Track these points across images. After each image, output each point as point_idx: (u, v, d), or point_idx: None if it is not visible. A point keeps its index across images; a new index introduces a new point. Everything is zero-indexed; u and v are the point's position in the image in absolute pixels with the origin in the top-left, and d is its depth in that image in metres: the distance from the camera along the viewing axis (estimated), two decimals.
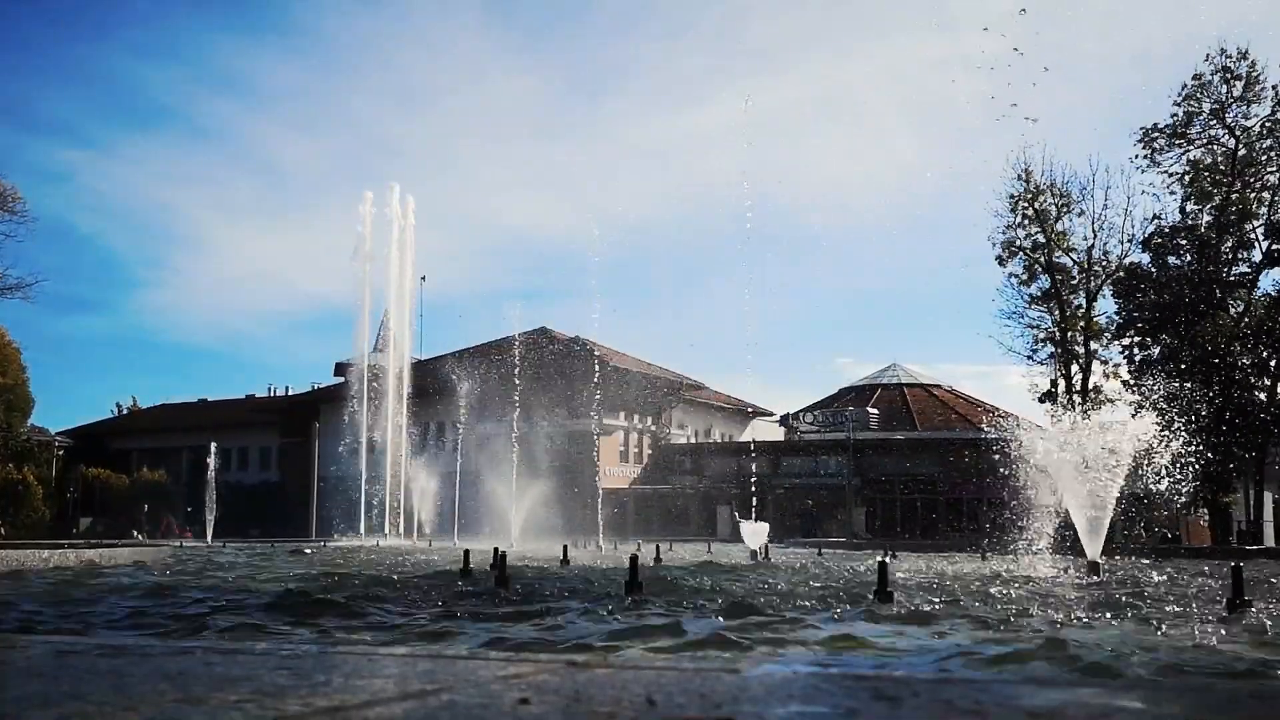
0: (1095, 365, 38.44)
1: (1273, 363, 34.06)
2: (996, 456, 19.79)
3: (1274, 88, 33.50)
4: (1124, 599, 10.01)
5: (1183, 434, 31.24)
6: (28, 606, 8.73)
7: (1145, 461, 18.05)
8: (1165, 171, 35.45)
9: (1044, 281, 39.11)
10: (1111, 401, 37.95)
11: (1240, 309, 34.42)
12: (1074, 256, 38.90)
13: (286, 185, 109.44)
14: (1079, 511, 16.15)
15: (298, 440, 46.35)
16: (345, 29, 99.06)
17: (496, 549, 13.67)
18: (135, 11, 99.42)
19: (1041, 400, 39.76)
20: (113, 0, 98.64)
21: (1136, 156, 35.71)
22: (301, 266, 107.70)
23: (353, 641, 6.07)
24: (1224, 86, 34.07)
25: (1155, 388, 34.40)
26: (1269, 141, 34.39)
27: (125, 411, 71.36)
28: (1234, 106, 34.18)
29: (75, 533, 37.37)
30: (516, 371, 38.83)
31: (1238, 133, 34.35)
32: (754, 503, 31.15)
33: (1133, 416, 36.15)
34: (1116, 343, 37.74)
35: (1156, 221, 36.14)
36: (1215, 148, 35.13)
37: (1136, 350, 36.34)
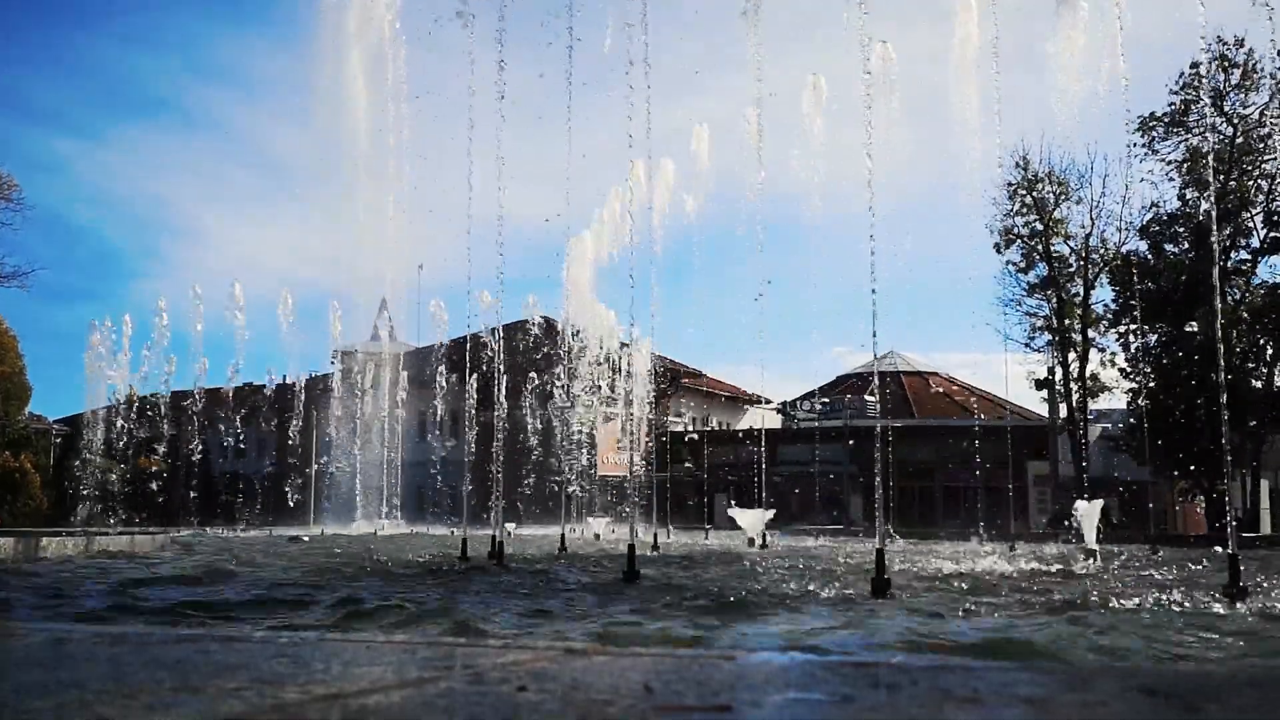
0: (1092, 353, 38.54)
1: (1269, 350, 34.12)
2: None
3: (1271, 75, 33.51)
4: (1121, 587, 10.04)
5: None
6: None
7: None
8: (1163, 159, 35.52)
9: (1042, 269, 39.18)
10: (1109, 389, 38.12)
11: (1237, 297, 34.48)
12: (1072, 244, 38.97)
13: (280, 175, 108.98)
14: None
15: (294, 428, 46.36)
16: (337, 19, 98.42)
17: (494, 537, 13.69)
18: (125, 1, 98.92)
19: (1038, 388, 39.92)
20: None
21: (1135, 145, 35.77)
22: (297, 255, 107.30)
23: (351, 630, 6.08)
24: (1221, 75, 34.06)
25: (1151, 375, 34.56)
26: (1266, 129, 34.40)
27: (123, 400, 71.26)
28: (1232, 95, 34.19)
29: (73, 520, 37.39)
30: (514, 359, 38.80)
31: (1235, 121, 34.35)
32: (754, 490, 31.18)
33: (1128, 405, 36.36)
34: (1114, 330, 37.85)
35: (1154, 209, 36.23)
36: (1213, 136, 35.16)
37: (1133, 338, 36.45)
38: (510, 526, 29.18)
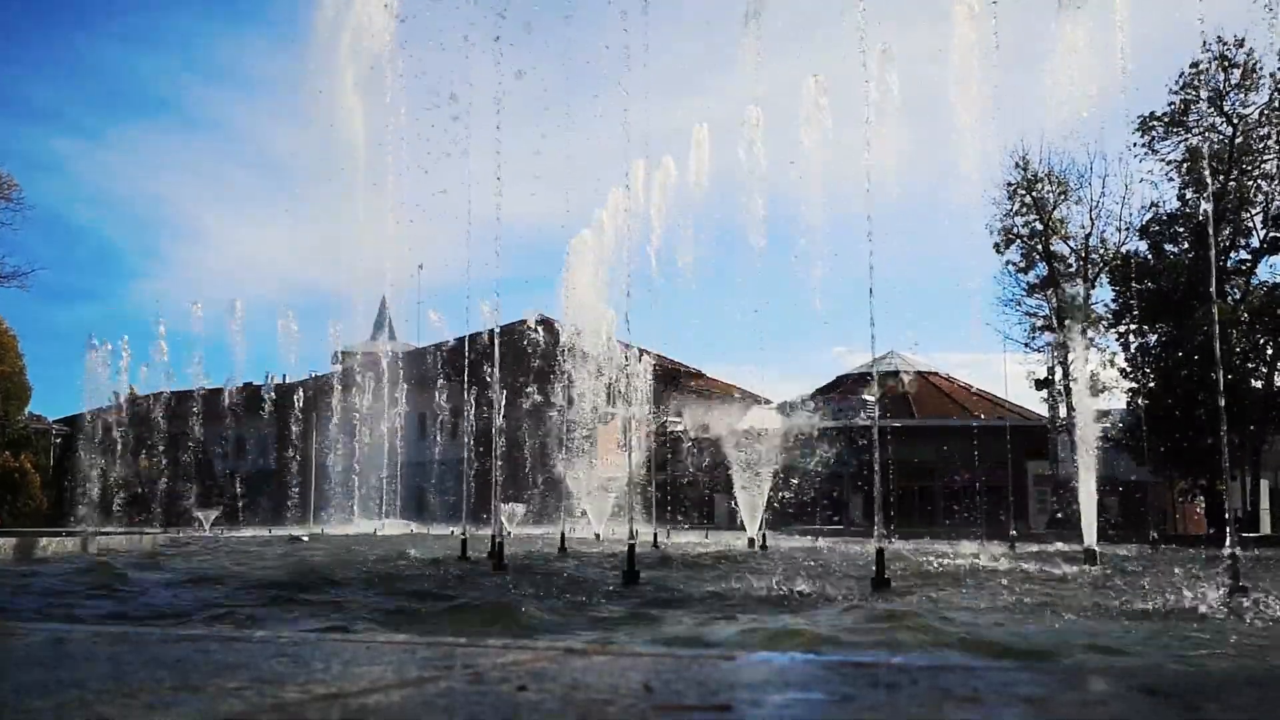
0: (1092, 353, 38.51)
1: (1269, 350, 34.12)
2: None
3: (1271, 75, 33.49)
4: (1119, 586, 10.04)
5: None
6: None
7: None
8: (1163, 159, 35.52)
9: (1041, 269, 39.24)
10: (1108, 389, 38.14)
11: (1237, 297, 34.49)
12: (1072, 244, 38.98)
13: (280, 175, 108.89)
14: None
15: (294, 428, 46.40)
16: (334, 21, 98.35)
17: (494, 537, 13.68)
18: (125, 1, 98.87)
19: (1038, 388, 39.95)
20: None
21: (1135, 144, 35.79)
22: (297, 255, 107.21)
23: (351, 629, 6.08)
24: (1221, 75, 34.05)
25: (1151, 374, 34.58)
26: (1266, 129, 34.39)
27: (123, 401, 71.35)
28: (1232, 94, 34.18)
29: (72, 521, 37.44)
30: (514, 360, 38.81)
31: (1235, 121, 34.34)
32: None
33: (1127, 405, 36.39)
34: (1114, 330, 37.86)
35: (1154, 209, 36.24)
36: (1213, 136, 35.16)
37: (1133, 338, 36.44)
38: (513, 507, 29.13)
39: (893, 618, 6.95)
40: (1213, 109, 34.49)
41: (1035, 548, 20.87)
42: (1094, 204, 38.04)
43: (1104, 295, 38.59)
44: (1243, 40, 33.56)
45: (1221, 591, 8.66)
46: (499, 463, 15.57)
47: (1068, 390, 38.44)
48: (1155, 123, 35.11)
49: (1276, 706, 2.39)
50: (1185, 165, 34.90)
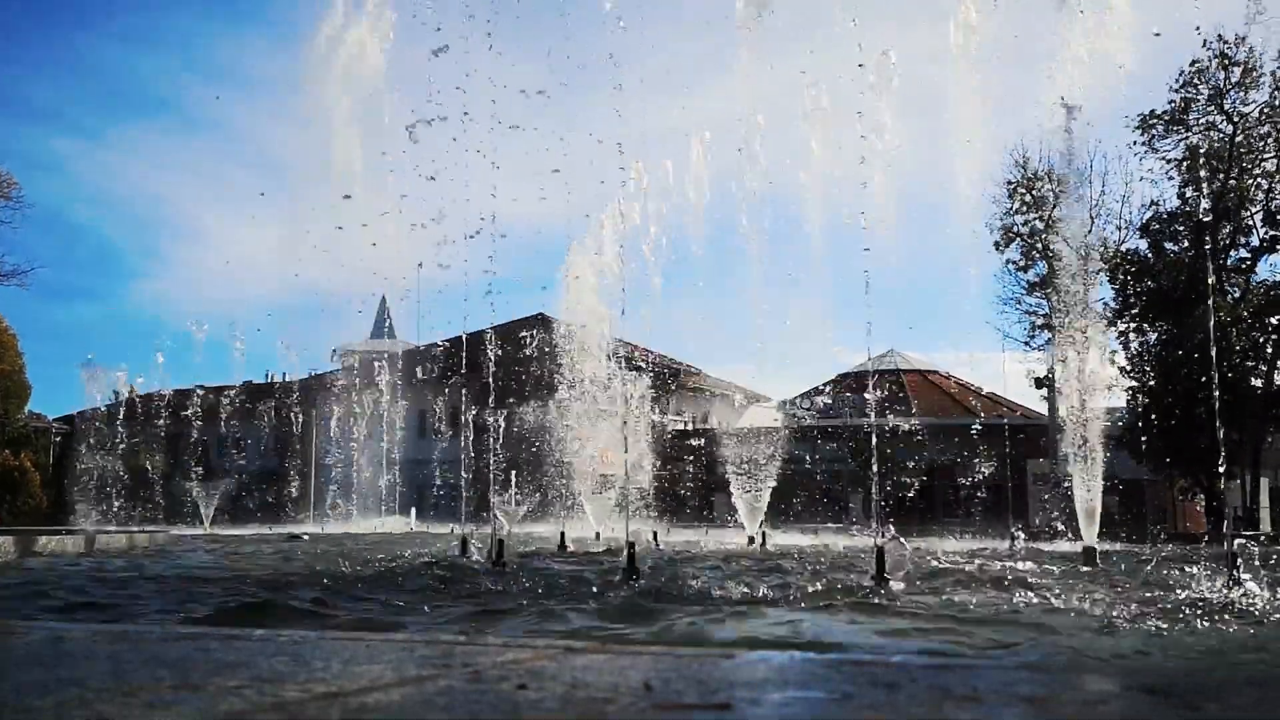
0: (1090, 350, 38.48)
1: (1269, 349, 34.09)
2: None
3: (1272, 73, 33.46)
4: (1122, 584, 10.04)
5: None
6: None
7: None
8: (1163, 158, 35.49)
9: (1041, 268, 39.25)
10: (1108, 387, 38.13)
11: (1237, 295, 34.47)
12: (1071, 243, 38.96)
13: (278, 174, 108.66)
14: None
15: (295, 426, 46.42)
16: (333, 18, 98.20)
17: (493, 535, 13.68)
18: (125, 1, 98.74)
19: (1038, 386, 39.96)
20: None
21: (1135, 143, 35.77)
22: (296, 254, 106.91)
23: (351, 629, 6.07)
24: (1221, 73, 34.02)
25: (1150, 373, 34.56)
26: (1266, 127, 34.36)
27: (123, 399, 71.38)
28: (1232, 92, 34.14)
29: (72, 519, 37.45)
30: (513, 358, 38.80)
31: (1235, 119, 34.31)
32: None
33: (1128, 404, 36.39)
34: (1113, 328, 37.83)
35: (1154, 208, 36.22)
36: (1213, 134, 35.12)
37: (1132, 336, 36.41)
38: (512, 505, 29.06)
39: (892, 616, 6.95)
40: (1213, 107, 34.47)
41: (1035, 546, 20.87)
42: (1094, 203, 38.07)
43: (1104, 294, 38.61)
44: (1243, 38, 33.56)
45: (1221, 590, 8.66)
46: (497, 460, 15.57)
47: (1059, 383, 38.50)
48: (1155, 121, 35.08)
49: (1276, 706, 2.39)
50: (1185, 163, 34.87)
